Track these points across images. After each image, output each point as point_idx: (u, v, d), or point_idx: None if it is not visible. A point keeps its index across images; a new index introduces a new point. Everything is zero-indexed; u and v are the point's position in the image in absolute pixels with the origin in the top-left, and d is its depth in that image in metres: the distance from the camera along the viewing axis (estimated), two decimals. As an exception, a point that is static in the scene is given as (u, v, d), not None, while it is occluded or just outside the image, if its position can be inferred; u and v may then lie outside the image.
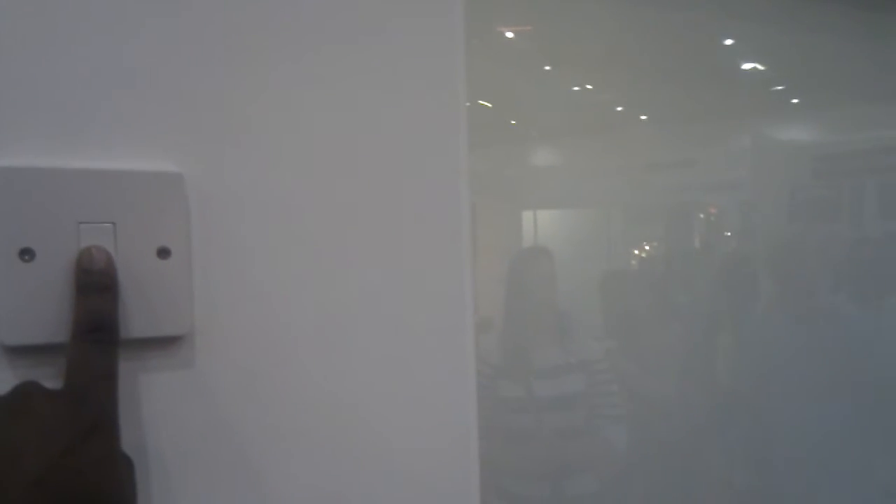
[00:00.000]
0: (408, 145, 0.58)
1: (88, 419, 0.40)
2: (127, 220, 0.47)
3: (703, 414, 2.77)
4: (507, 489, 2.78)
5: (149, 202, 0.48)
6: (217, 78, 0.51)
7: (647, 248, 3.30)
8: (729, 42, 3.31)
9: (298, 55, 0.54)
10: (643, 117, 3.73)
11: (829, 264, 2.70)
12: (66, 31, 0.46)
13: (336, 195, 0.55)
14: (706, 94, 3.09)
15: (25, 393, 0.41)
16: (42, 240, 0.45)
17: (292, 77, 0.53)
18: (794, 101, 3.16)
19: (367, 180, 0.56)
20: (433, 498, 0.58)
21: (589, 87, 3.95)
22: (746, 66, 3.23)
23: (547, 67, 4.13)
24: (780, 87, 3.18)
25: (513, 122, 4.62)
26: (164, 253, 0.48)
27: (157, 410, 0.48)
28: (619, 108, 3.81)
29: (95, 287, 0.44)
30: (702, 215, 3.28)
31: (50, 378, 0.43)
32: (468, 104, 0.64)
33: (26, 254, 0.44)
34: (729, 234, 3.19)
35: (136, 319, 0.47)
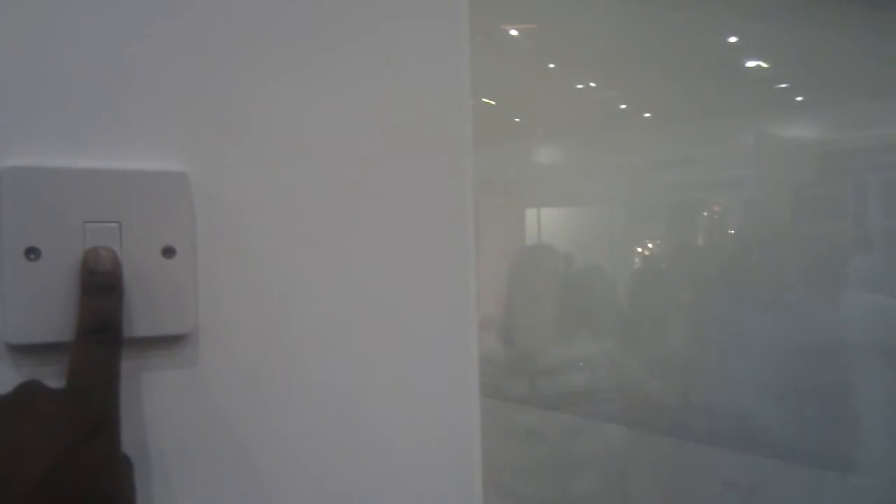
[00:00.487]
0: (412, 144, 0.58)
1: (90, 419, 0.41)
2: (132, 220, 0.47)
3: (704, 411, 2.77)
4: (510, 487, 2.78)
5: (154, 202, 0.48)
6: (221, 78, 0.51)
7: (650, 245, 3.30)
8: (733, 40, 3.31)
9: (302, 54, 0.54)
10: (647, 115, 3.73)
11: (832, 261, 2.69)
12: (71, 32, 0.47)
13: (340, 194, 0.55)
14: (710, 91, 3.09)
15: (28, 392, 0.41)
16: (48, 239, 0.45)
17: (296, 76, 0.53)
18: (798, 98, 3.15)
19: (371, 179, 0.56)
20: (436, 496, 0.58)
21: (592, 84, 3.95)
22: (750, 63, 3.22)
23: (551, 65, 4.13)
24: (783, 85, 3.17)
25: (517, 119, 4.62)
26: (168, 252, 0.48)
27: (160, 409, 0.49)
28: (623, 106, 3.81)
29: (101, 288, 0.44)
30: (705, 213, 3.28)
31: (53, 377, 0.43)
32: (472, 102, 0.65)
33: (32, 253, 0.45)
34: (732, 231, 3.18)
35: (141, 318, 0.47)
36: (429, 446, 0.58)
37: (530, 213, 3.98)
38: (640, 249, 3.31)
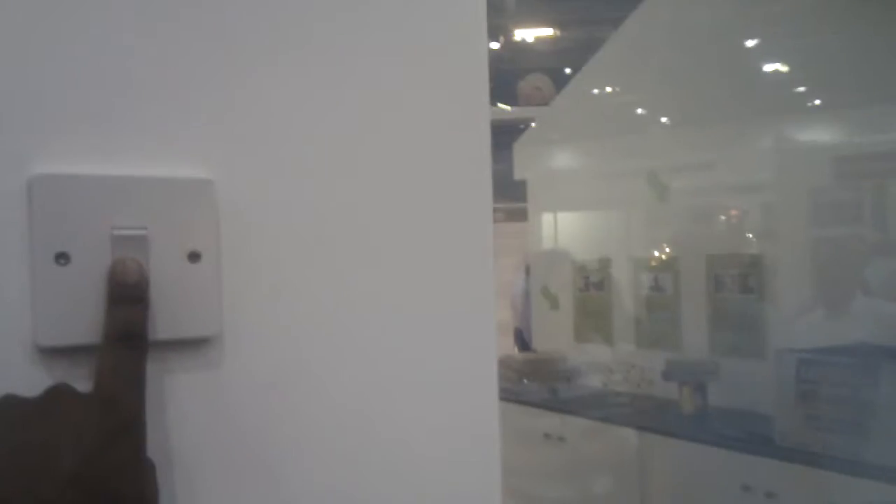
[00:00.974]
0: (432, 148, 0.59)
1: (117, 422, 0.42)
2: (159, 226, 0.48)
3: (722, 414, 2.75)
4: (525, 491, 2.78)
5: (180, 208, 0.49)
6: (245, 85, 0.52)
7: (667, 250, 3.27)
8: (751, 43, 3.29)
9: (324, 60, 0.55)
10: (664, 119, 3.70)
11: (852, 266, 2.67)
12: (99, 39, 0.48)
13: (362, 199, 0.56)
14: (728, 95, 3.06)
15: (58, 395, 0.42)
16: (77, 244, 0.46)
17: (318, 81, 0.54)
18: (817, 101, 3.12)
19: (392, 184, 0.57)
20: (456, 501, 0.59)
21: (609, 89, 3.94)
22: (769, 67, 3.19)
23: (567, 70, 4.12)
24: (802, 89, 3.13)
25: (533, 124, 4.62)
26: (194, 257, 0.49)
27: (184, 411, 0.49)
28: (640, 111, 3.79)
29: (128, 299, 0.45)
30: (723, 217, 3.25)
31: (83, 379, 0.44)
32: (489, 106, 0.65)
33: (62, 258, 0.46)
34: (751, 236, 3.15)
35: (166, 322, 0.48)
36: (449, 451, 0.59)
37: (548, 217, 3.97)
38: (657, 254, 3.29)
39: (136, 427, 0.43)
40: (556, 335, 3.66)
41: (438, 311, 0.58)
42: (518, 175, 4.16)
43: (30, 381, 0.44)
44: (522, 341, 4.38)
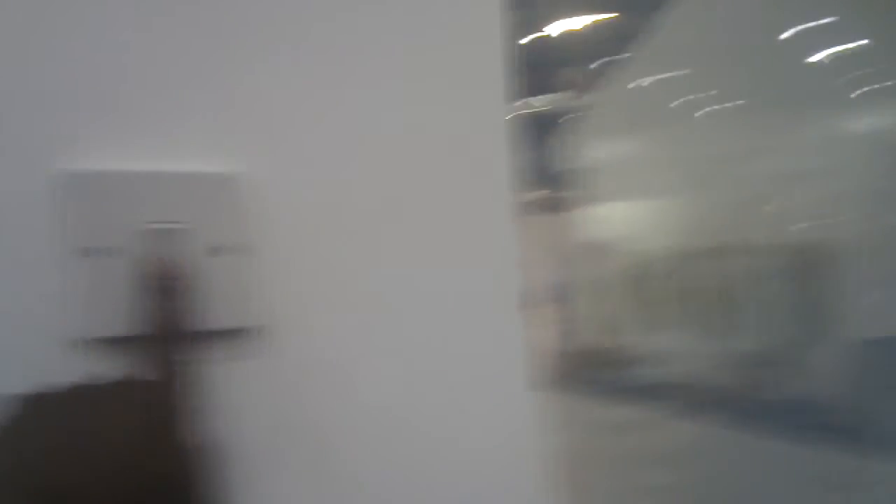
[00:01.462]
0: (456, 144, 0.59)
1: (159, 409, 0.43)
2: (195, 220, 0.49)
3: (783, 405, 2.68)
4: (581, 481, 2.75)
5: (215, 202, 0.50)
6: (277, 81, 0.53)
7: (720, 239, 3.21)
8: (801, 28, 3.19)
9: (353, 58, 0.55)
10: (713, 108, 3.62)
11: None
12: (125, 36, 0.49)
13: (392, 193, 0.56)
14: (779, 82, 2.98)
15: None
16: (115, 239, 0.47)
17: (348, 78, 0.55)
18: (868, 88, 3.00)
19: (421, 179, 0.58)
20: (500, 489, 0.60)
21: (654, 78, 3.87)
22: (820, 53, 3.08)
23: (611, 58, 4.05)
24: (854, 74, 3.02)
25: (580, 114, 4.58)
26: (230, 250, 0.50)
27: (230, 398, 0.50)
28: (686, 98, 3.71)
29: (169, 293, 0.47)
30: (773, 206, 3.17)
31: (116, 370, 0.45)
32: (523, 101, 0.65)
33: (101, 252, 0.46)
34: (804, 225, 3.06)
35: (210, 313, 0.49)
36: (489, 440, 0.60)
37: (602, 208, 3.93)
38: (709, 243, 3.23)
39: (178, 413, 0.44)
40: (614, 326, 3.62)
41: (470, 301, 0.59)
42: (568, 164, 4.13)
43: (63, 371, 0.44)
44: (577, 332, 4.34)
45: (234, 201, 0.50)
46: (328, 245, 0.54)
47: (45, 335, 0.46)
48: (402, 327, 0.56)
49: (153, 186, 0.48)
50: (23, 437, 0.41)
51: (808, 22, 3.05)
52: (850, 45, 2.93)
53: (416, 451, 0.56)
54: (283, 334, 0.52)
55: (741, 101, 3.36)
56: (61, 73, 0.47)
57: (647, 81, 3.83)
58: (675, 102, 3.58)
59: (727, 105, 3.40)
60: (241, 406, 0.51)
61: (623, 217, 3.82)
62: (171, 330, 0.46)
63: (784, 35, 3.08)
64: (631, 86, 3.87)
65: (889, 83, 2.78)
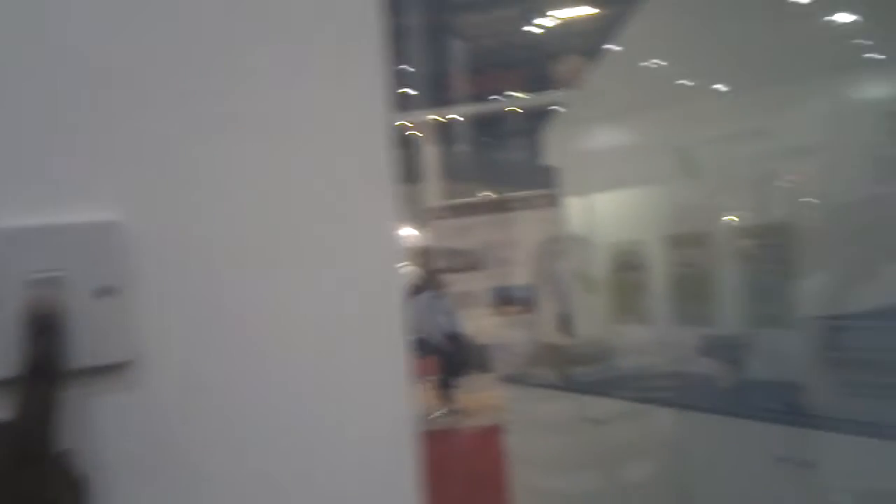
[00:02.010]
0: (334, 164, 0.63)
1: (32, 449, 0.47)
2: (73, 267, 0.54)
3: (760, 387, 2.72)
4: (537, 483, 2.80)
5: (92, 249, 0.55)
6: (150, 133, 0.57)
7: (731, 219, 3.20)
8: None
9: (227, 102, 0.60)
10: (695, 87, 3.61)
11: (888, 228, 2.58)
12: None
13: (266, 228, 0.61)
14: (783, 55, 2.92)
15: None
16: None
17: (216, 127, 0.59)
18: (881, 56, 2.94)
19: (289, 214, 0.62)
20: (377, 489, 0.64)
21: (657, 62, 3.85)
22: (827, 19, 3.00)
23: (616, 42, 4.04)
24: (863, 42, 2.96)
25: (563, 108, 4.59)
26: (107, 292, 0.55)
27: (109, 429, 0.55)
28: (673, 82, 3.71)
29: (42, 332, 0.51)
30: (783, 183, 3.16)
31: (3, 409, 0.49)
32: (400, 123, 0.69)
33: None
34: (815, 200, 3.04)
35: (86, 351, 0.54)
36: (365, 444, 0.63)
37: (580, 201, 3.95)
38: (689, 230, 3.25)
39: (51, 451, 0.48)
40: (594, 318, 3.65)
41: (348, 322, 0.63)
42: (549, 160, 4.15)
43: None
44: (567, 327, 4.39)
45: (108, 247, 0.56)
46: (200, 281, 0.59)
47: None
48: (275, 351, 0.61)
49: (33, 239, 0.53)
50: None
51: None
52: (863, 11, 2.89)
53: (292, 472, 0.61)
54: (157, 367, 0.57)
55: (722, 86, 3.37)
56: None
57: (628, 72, 3.85)
58: (657, 91, 3.60)
59: (708, 90, 3.42)
60: (120, 435, 0.55)
61: (605, 209, 3.84)
62: (46, 368, 0.50)
63: (765, 13, 3.06)
64: (614, 77, 3.89)
65: (881, 56, 2.76)
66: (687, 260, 3.22)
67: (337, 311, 0.63)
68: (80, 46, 0.56)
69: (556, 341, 3.87)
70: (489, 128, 13.81)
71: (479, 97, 13.17)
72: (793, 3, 3.20)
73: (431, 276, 8.19)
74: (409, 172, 11.51)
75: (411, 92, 12.52)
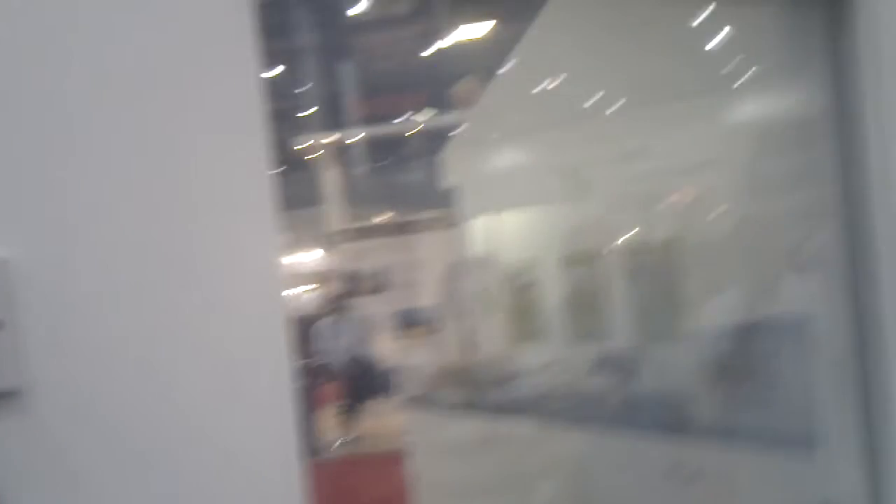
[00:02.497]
0: (217, 203, 0.66)
1: None
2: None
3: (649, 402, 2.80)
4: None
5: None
6: (32, 174, 0.59)
7: (623, 238, 3.30)
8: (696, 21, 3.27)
9: (102, 140, 0.61)
10: (606, 106, 3.71)
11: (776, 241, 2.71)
12: None
13: (147, 259, 0.63)
14: (672, 75, 3.03)
15: None
16: None
17: (103, 161, 0.61)
18: (756, 72, 3.07)
19: (179, 242, 0.64)
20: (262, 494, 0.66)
21: (550, 82, 3.94)
22: (712, 43, 3.13)
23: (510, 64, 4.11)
24: (742, 62, 3.11)
25: (459, 130, 4.66)
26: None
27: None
28: (589, 99, 3.79)
29: None
30: (674, 200, 3.27)
31: None
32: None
33: None
34: (709, 216, 3.16)
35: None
36: (250, 450, 0.66)
37: (478, 221, 4.01)
38: (582, 248, 3.34)
39: None
40: (496, 339, 3.69)
41: (231, 334, 0.66)
42: (448, 182, 4.19)
43: None
44: (471, 347, 4.42)
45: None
46: (84, 312, 0.60)
47: None
48: (159, 378, 0.63)
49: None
50: None
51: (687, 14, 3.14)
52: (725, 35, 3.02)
53: (179, 496, 0.63)
54: (45, 394, 0.59)
55: (620, 102, 3.47)
56: None
57: (521, 92, 3.94)
58: (548, 111, 3.69)
59: (597, 110, 3.52)
60: (11, 457, 0.57)
61: (502, 229, 3.91)
62: None
63: (663, 28, 3.16)
64: (507, 97, 3.97)
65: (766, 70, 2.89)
66: (581, 278, 3.30)
67: (221, 335, 0.65)
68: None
69: (460, 362, 3.89)
70: (390, 150, 13.86)
71: (380, 119, 13.21)
72: (678, 24, 3.34)
73: (335, 300, 8.11)
74: (311, 196, 11.40)
75: (311, 115, 12.45)
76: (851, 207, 1.48)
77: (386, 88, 13.50)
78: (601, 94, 3.51)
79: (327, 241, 10.02)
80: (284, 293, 0.70)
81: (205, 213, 0.66)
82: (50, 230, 0.60)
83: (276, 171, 0.68)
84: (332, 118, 12.60)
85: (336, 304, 7.93)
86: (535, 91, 3.87)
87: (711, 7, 2.99)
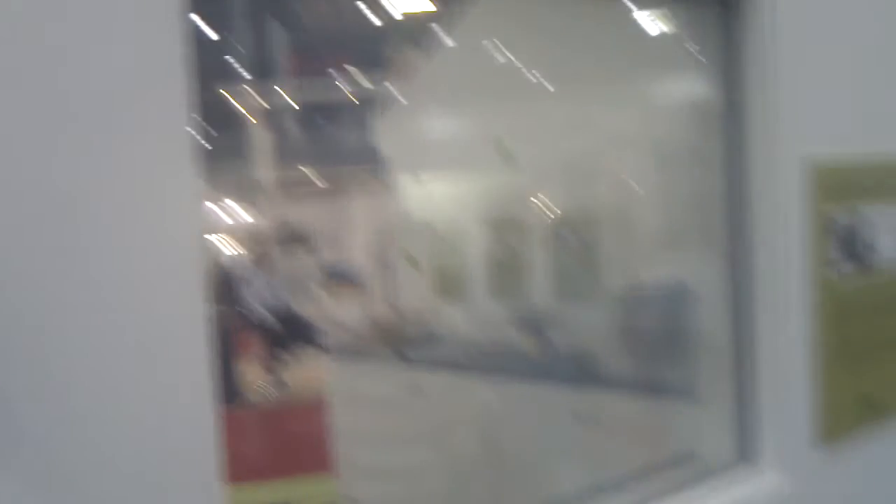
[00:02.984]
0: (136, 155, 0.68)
1: None
2: None
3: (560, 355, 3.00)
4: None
5: None
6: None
7: (543, 207, 3.45)
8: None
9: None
10: (542, 81, 3.81)
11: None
12: None
13: (65, 217, 0.65)
14: (600, 55, 3.14)
15: None
16: None
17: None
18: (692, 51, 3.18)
19: (95, 195, 0.66)
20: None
21: (489, 52, 4.01)
22: (645, 21, 3.23)
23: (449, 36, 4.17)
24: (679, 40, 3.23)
25: (397, 98, 4.72)
26: None
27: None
28: (522, 73, 3.88)
29: None
30: (601, 173, 3.42)
31: None
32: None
33: None
34: (635, 190, 3.31)
35: None
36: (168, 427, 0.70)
37: (409, 186, 4.12)
38: (506, 215, 3.50)
39: None
40: (419, 296, 3.84)
41: (145, 295, 0.69)
42: (380, 145, 4.28)
43: None
44: (394, 304, 4.56)
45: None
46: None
47: None
48: (73, 329, 0.65)
49: None
50: None
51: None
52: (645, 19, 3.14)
53: (92, 453, 0.66)
54: None
55: (546, 81, 3.59)
56: None
57: (464, 62, 4.01)
58: (485, 83, 3.79)
59: (533, 84, 3.63)
60: None
61: (430, 193, 4.03)
62: None
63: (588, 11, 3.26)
64: (446, 68, 4.05)
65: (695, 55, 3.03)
66: (503, 242, 3.47)
67: (136, 280, 0.68)
68: None
69: (384, 318, 4.02)
70: (322, 110, 13.71)
71: (314, 80, 13.04)
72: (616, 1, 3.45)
73: (261, 254, 8.09)
74: (241, 152, 11.23)
75: (244, 73, 12.19)
76: (736, 190, 1.68)
77: (325, 49, 13.31)
78: (536, 70, 3.62)
79: (256, 196, 9.93)
80: (204, 242, 0.71)
81: (121, 159, 0.66)
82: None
83: (199, 120, 0.70)
84: (267, 76, 12.38)
85: (262, 257, 7.92)
86: (471, 64, 3.97)
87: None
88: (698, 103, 1.90)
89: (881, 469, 1.82)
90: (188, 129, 0.68)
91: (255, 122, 12.27)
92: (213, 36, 10.83)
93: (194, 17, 0.69)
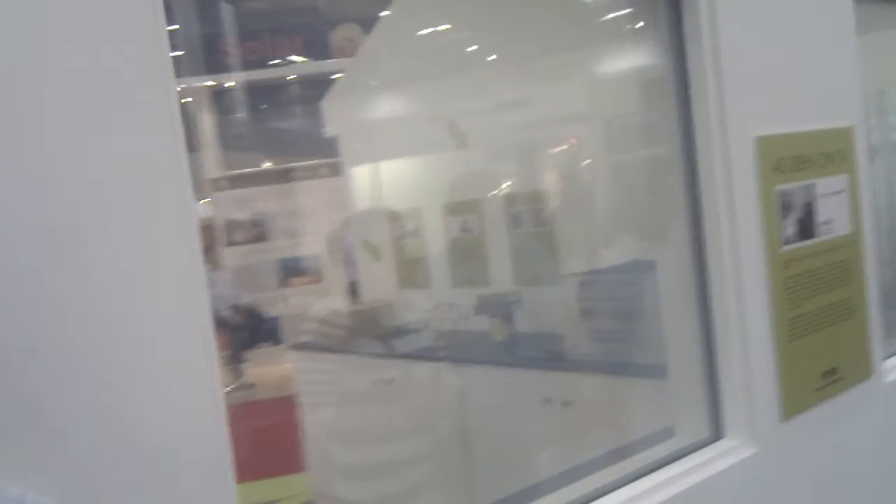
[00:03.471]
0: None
1: None
2: None
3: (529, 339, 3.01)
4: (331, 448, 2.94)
5: None
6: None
7: (501, 187, 3.44)
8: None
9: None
10: (492, 57, 3.76)
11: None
12: None
13: (56, 216, 0.68)
14: (547, 27, 3.11)
15: None
16: None
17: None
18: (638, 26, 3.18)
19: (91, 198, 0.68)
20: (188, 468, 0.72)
21: (434, 28, 3.95)
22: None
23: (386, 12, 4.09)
24: (620, 13, 3.21)
25: (340, 77, 4.64)
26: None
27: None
28: (469, 49, 3.83)
29: None
30: (555, 150, 3.42)
31: None
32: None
33: None
34: (586, 163, 3.30)
35: None
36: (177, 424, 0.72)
37: (362, 170, 4.07)
38: (461, 197, 3.48)
39: None
40: (380, 285, 3.81)
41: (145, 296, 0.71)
42: (329, 130, 4.21)
43: None
44: (356, 294, 4.51)
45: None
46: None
47: None
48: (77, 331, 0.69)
49: None
50: None
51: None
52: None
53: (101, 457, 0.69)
54: None
55: (492, 56, 3.55)
56: None
57: (403, 40, 3.96)
58: (430, 60, 3.74)
59: (479, 60, 3.60)
60: None
61: (384, 178, 3.98)
62: None
63: None
64: (389, 45, 3.98)
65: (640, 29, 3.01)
66: (462, 226, 3.44)
67: (136, 286, 0.71)
68: None
69: (345, 309, 3.98)
70: (268, 95, 13.47)
71: (258, 64, 12.78)
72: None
73: (212, 250, 7.94)
74: (185, 142, 10.97)
75: (184, 56, 11.89)
76: (687, 164, 1.68)
77: (267, 32, 13.05)
78: (482, 44, 3.58)
79: (204, 189, 9.73)
80: (198, 237, 0.77)
81: (112, 157, 0.70)
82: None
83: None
84: (209, 61, 12.09)
85: (214, 254, 7.77)
86: (415, 39, 3.90)
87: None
88: (647, 77, 1.89)
89: (844, 437, 1.85)
90: (177, 124, 0.80)
91: (197, 112, 12.00)
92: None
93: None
